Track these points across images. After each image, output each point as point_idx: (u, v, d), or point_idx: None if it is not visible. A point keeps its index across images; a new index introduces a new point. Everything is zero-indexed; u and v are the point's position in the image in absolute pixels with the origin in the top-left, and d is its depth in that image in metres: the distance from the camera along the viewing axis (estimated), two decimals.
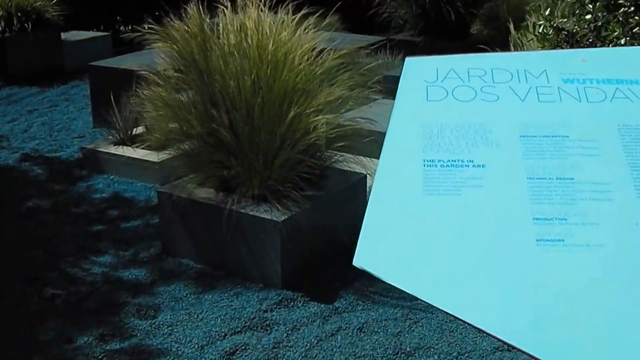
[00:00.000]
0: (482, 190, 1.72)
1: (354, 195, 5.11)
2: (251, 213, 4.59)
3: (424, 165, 1.78)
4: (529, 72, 2.12)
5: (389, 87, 6.23)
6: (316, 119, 4.56)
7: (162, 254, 5.19)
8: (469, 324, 1.47)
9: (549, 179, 1.73)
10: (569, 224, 1.62)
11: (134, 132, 6.68)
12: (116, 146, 6.63)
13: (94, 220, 5.82)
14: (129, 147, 6.55)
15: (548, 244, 1.59)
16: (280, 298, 4.63)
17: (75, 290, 4.83)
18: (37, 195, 6.31)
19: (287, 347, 4.21)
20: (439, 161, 1.79)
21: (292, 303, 4.59)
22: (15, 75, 9.63)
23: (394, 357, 4.14)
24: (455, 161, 1.79)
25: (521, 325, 1.46)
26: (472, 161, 1.79)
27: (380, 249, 1.63)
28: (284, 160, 4.64)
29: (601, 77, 2.09)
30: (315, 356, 4.13)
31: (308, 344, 4.23)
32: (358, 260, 1.57)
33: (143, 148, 6.37)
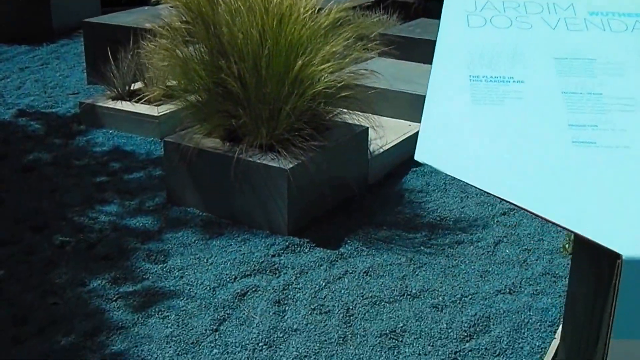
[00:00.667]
0: (523, 101, 1.94)
1: (356, 147, 5.24)
2: (259, 161, 4.71)
3: (470, 80, 1.98)
4: (557, 5, 2.28)
5: (385, 45, 6.35)
6: (322, 67, 4.67)
7: (167, 203, 5.29)
8: (517, 206, 1.69)
9: (581, 93, 1.95)
10: (600, 130, 1.87)
11: (132, 88, 6.75)
12: (114, 101, 6.69)
13: (97, 172, 5.90)
14: (127, 102, 6.62)
15: (582, 145, 1.83)
16: (287, 244, 4.76)
17: (84, 237, 4.92)
18: (37, 149, 6.36)
19: (297, 289, 4.34)
20: (483, 77, 1.99)
21: (298, 248, 4.73)
22: (4, 34, 9.62)
23: (400, 298, 4.29)
24: (497, 77, 1.99)
25: (561, 206, 1.69)
26: (512, 77, 1.99)
27: (437, 146, 1.87)
28: (291, 109, 4.74)
29: (623, 11, 2.27)
30: (325, 297, 4.28)
31: (317, 286, 4.37)
32: (419, 156, 1.80)
33: (143, 102, 6.45)
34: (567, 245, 3.80)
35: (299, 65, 4.63)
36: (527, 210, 1.66)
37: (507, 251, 4.80)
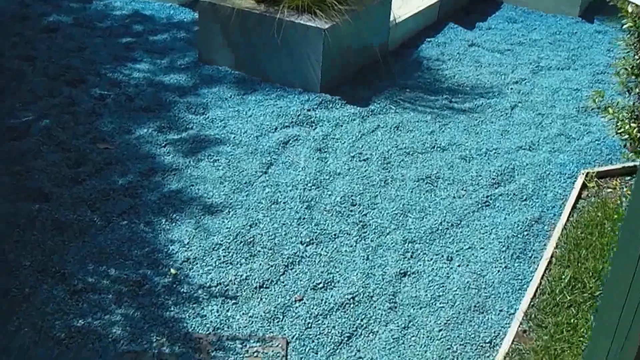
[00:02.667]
0: None
1: (381, 13, 5.48)
2: (297, 21, 4.93)
3: None
4: None
5: None
6: None
7: (198, 62, 5.50)
8: None
9: None
10: None
11: None
12: None
13: (121, 33, 6.05)
14: None
15: None
16: (320, 100, 5.03)
17: (121, 91, 5.13)
18: (56, 12, 6.45)
19: (335, 139, 4.65)
20: None
21: (331, 105, 5.01)
22: None
23: (432, 150, 4.63)
24: None
25: None
26: None
27: None
28: None
29: None
30: (362, 147, 4.59)
31: (353, 137, 4.68)
32: None
33: None
34: (595, 100, 4.13)
35: None
36: None
37: (523, 115, 5.14)
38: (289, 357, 3.18)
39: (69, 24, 6.18)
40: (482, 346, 3.31)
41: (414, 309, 3.45)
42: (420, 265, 3.69)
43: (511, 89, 5.46)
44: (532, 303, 3.53)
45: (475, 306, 3.49)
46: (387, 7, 5.48)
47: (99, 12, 6.45)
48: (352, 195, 4.12)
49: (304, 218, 3.94)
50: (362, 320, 3.37)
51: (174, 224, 3.88)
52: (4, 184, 4.09)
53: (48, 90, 5.09)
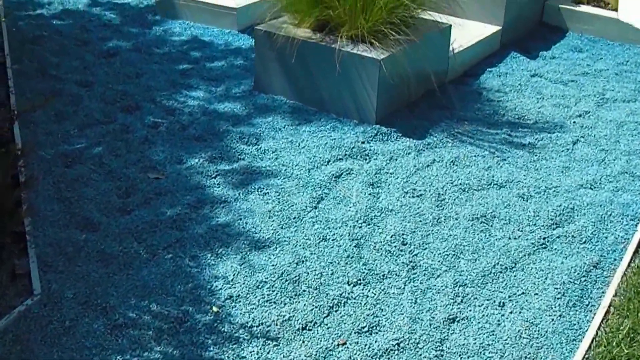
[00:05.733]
0: None
1: (440, 43, 5.36)
2: (352, 51, 4.84)
3: None
4: None
5: None
6: None
7: (253, 90, 5.45)
8: None
9: None
10: None
11: None
12: None
13: (178, 59, 6.05)
14: None
15: None
16: (375, 132, 4.93)
17: (175, 119, 5.10)
18: (116, 37, 6.50)
19: (389, 174, 4.53)
20: None
21: (386, 137, 4.90)
22: None
23: (488, 187, 4.48)
24: None
25: None
26: None
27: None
28: (383, 3, 4.85)
29: None
30: (416, 182, 4.47)
31: (407, 171, 4.56)
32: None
33: None
34: None
35: None
36: None
37: (585, 150, 4.96)
38: None
39: (128, 49, 6.21)
40: None
41: (461, 358, 3.31)
42: (470, 310, 3.55)
43: (574, 122, 5.28)
44: (586, 355, 3.36)
45: (526, 357, 3.34)
46: (446, 36, 5.36)
47: (158, 37, 6.47)
48: (403, 234, 4.01)
49: (352, 257, 3.84)
50: None
51: (219, 259, 3.81)
52: (54, 210, 4.08)
53: (103, 117, 5.10)
